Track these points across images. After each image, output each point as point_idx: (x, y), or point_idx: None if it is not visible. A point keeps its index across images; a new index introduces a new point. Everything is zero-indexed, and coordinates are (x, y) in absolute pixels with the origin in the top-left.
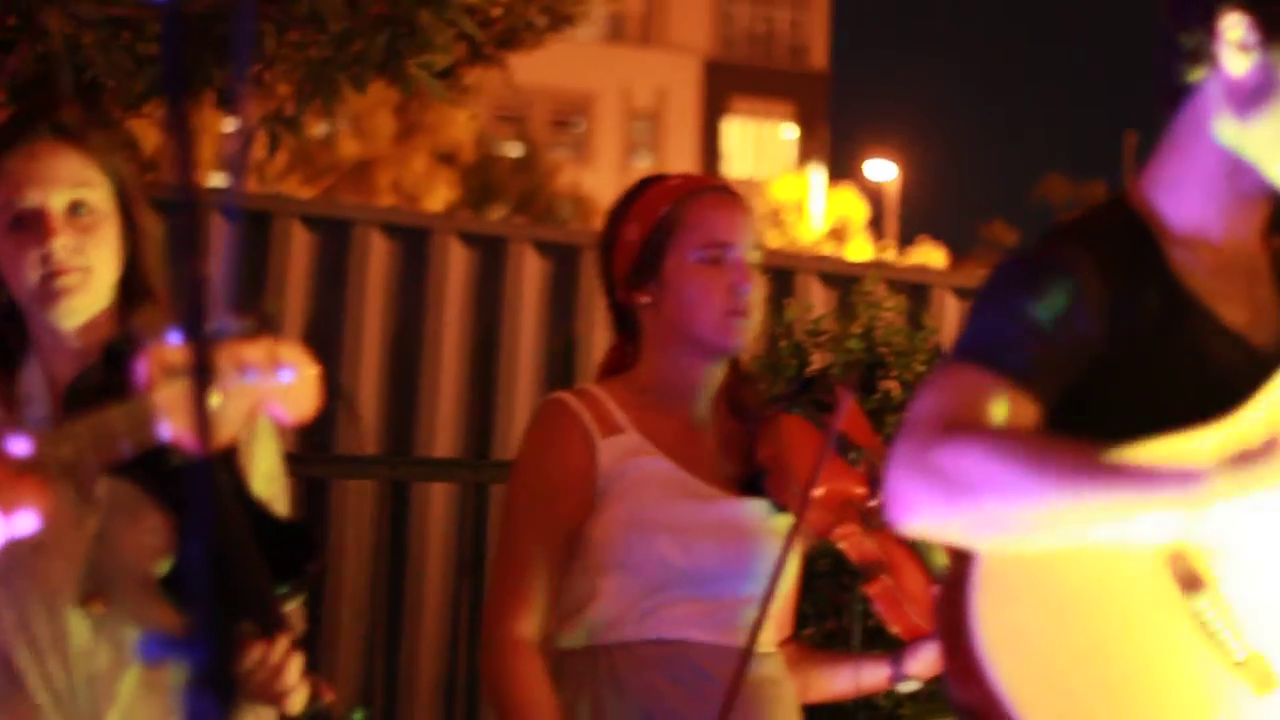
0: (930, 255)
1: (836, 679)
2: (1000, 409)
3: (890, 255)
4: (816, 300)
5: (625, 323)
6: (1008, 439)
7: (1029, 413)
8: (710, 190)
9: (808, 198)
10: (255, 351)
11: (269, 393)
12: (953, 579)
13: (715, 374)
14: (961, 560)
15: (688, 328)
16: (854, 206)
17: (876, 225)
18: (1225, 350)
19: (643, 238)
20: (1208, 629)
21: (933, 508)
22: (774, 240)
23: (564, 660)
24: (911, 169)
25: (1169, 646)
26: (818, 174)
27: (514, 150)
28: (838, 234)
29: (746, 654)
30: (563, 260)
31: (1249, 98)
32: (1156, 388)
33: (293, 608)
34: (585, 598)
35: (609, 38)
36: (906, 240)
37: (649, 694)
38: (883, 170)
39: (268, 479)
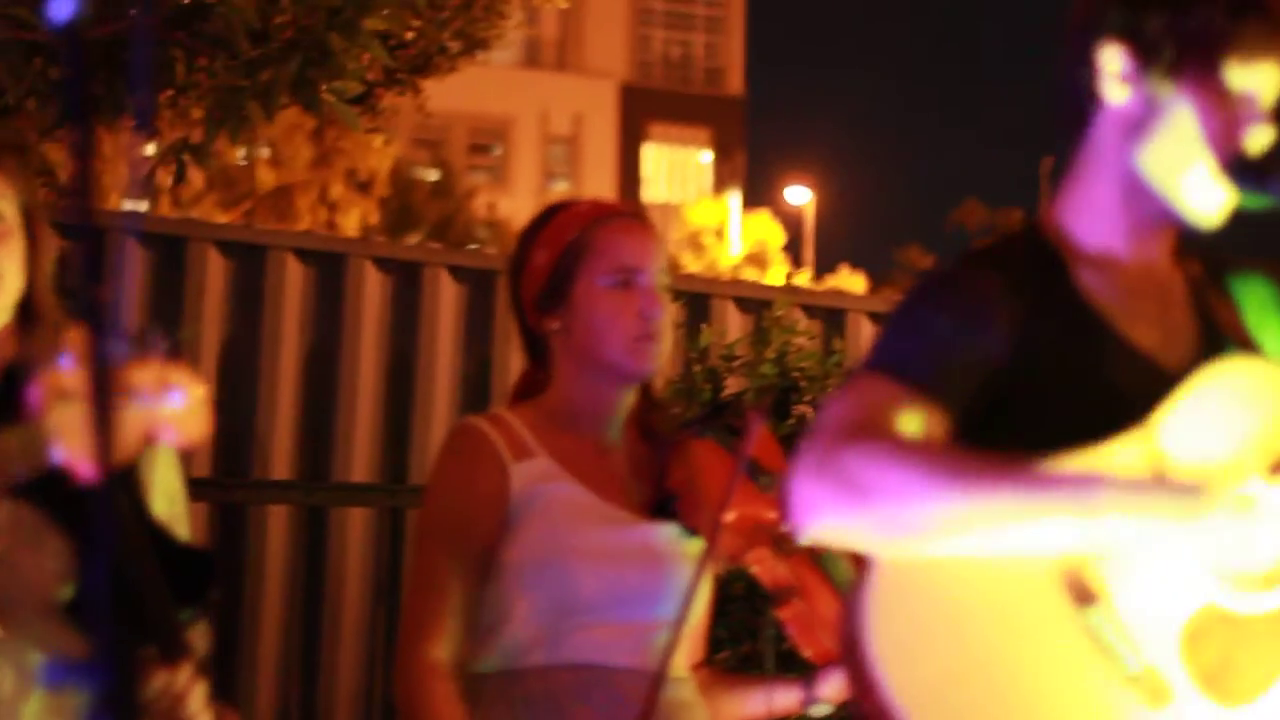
0: (848, 281)
1: (748, 703)
2: (908, 418)
3: (807, 281)
4: (732, 325)
5: (536, 347)
6: (910, 445)
7: (936, 423)
8: (619, 215)
9: (726, 223)
10: (144, 375)
11: (160, 417)
12: (851, 593)
13: (626, 399)
14: (859, 574)
15: (597, 353)
16: (772, 232)
17: (794, 251)
18: (1131, 371)
19: (551, 263)
20: (1100, 642)
21: (834, 510)
22: (693, 265)
23: (478, 684)
24: (828, 194)
25: (1061, 660)
26: (735, 199)
27: (431, 175)
28: (757, 259)
29: (658, 678)
30: (478, 285)
31: (1134, 127)
32: (1060, 407)
33: (196, 632)
34: (499, 622)
35: (525, 63)
36: (825, 267)
37: (564, 718)
38: (799, 195)
39: (170, 499)
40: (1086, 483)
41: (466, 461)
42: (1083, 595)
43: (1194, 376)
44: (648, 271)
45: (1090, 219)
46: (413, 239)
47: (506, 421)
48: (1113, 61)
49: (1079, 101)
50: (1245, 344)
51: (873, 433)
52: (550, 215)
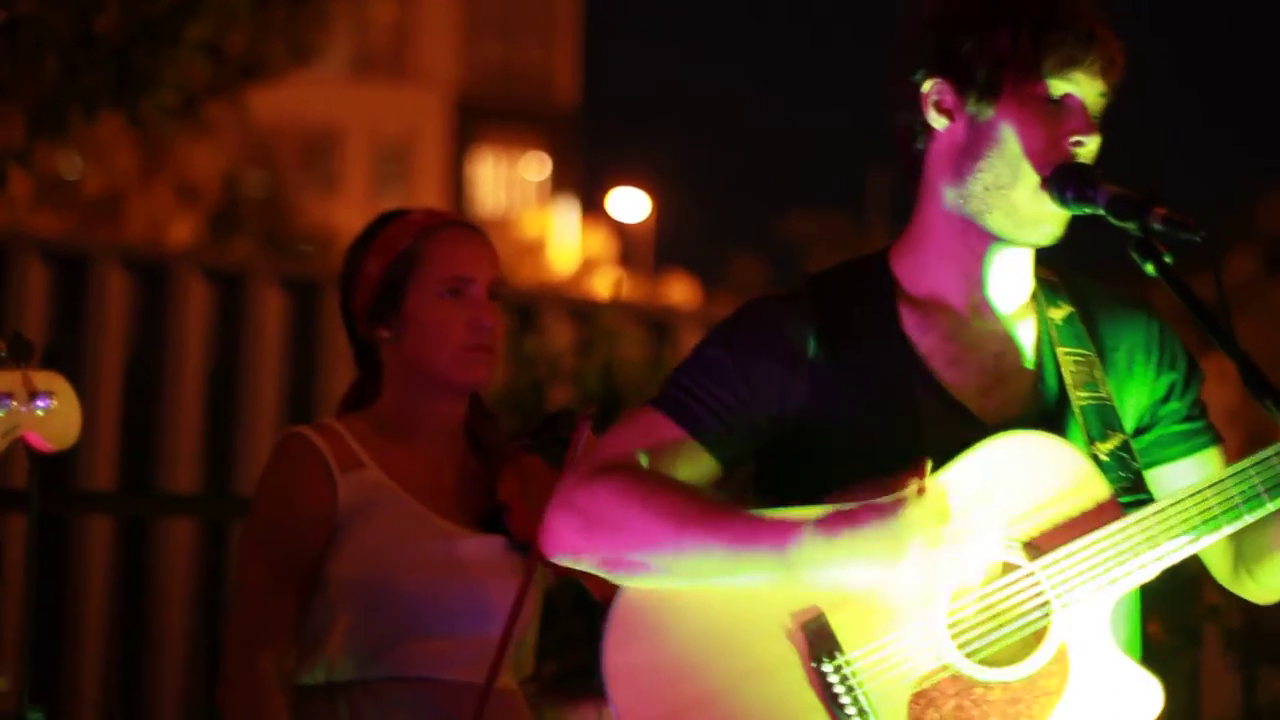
0: (682, 289)
1: (579, 717)
2: (677, 460)
3: (642, 290)
4: (561, 335)
5: (367, 357)
6: (641, 484)
7: (705, 467)
8: (451, 225)
9: (559, 232)
10: (8, 379)
11: (26, 420)
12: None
13: (456, 409)
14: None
15: (428, 363)
16: (605, 241)
17: (628, 260)
18: (942, 416)
19: (383, 272)
20: (829, 693)
21: (570, 541)
22: (525, 275)
23: (304, 697)
24: (662, 203)
25: (783, 710)
26: (568, 208)
27: (260, 185)
28: (589, 269)
29: (485, 692)
30: (305, 295)
31: (961, 153)
32: (860, 450)
33: None
34: (324, 634)
35: (357, 72)
36: (658, 275)
37: None
38: (634, 204)
39: None
40: (786, 534)
41: (292, 472)
42: (821, 645)
43: (978, 444)
44: (480, 281)
45: (922, 257)
46: (241, 249)
47: (335, 431)
48: (935, 94)
49: (906, 140)
50: (1088, 401)
51: (617, 467)
52: (382, 224)
